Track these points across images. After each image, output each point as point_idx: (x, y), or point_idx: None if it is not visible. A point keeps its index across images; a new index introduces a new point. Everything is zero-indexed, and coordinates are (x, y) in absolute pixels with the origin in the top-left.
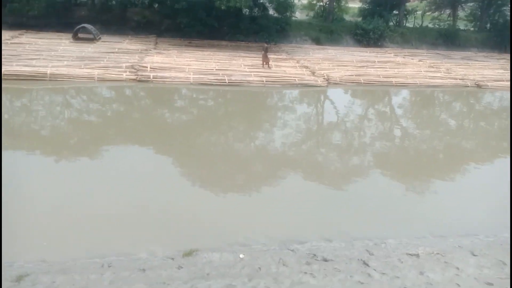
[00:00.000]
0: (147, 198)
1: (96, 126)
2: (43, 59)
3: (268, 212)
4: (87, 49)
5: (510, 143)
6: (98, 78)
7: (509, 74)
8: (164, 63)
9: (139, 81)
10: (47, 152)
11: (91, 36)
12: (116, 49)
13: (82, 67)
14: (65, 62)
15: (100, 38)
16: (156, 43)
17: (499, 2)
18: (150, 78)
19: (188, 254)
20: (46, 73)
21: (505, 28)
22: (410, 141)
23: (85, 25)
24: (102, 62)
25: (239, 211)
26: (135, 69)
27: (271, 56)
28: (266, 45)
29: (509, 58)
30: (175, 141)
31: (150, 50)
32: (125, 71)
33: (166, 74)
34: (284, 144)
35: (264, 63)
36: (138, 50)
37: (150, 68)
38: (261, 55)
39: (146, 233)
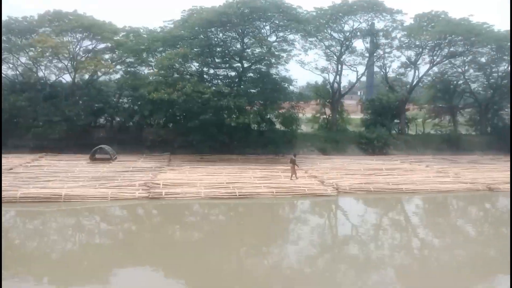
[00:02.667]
0: None
1: (107, 249)
2: (60, 180)
3: None
4: (103, 169)
5: None
6: (111, 197)
7: None
8: (176, 179)
9: (151, 198)
10: (56, 279)
11: (107, 156)
12: (131, 168)
13: (97, 187)
14: (80, 183)
15: (116, 158)
16: (170, 160)
17: (495, 107)
18: (162, 194)
19: None
20: (61, 194)
21: (506, 131)
22: (431, 251)
23: (102, 146)
24: (116, 181)
25: None
26: (148, 186)
27: (279, 167)
28: (293, 157)
29: None
30: (185, 260)
31: (163, 167)
32: (138, 189)
33: (178, 190)
34: (298, 260)
35: (293, 174)
36: (152, 167)
37: (163, 184)
38: (278, 167)
39: None
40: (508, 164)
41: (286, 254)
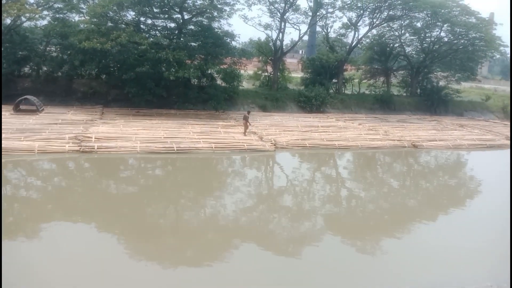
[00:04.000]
0: (94, 277)
1: (34, 203)
2: None
3: (221, 284)
4: (29, 121)
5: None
6: (38, 150)
7: (440, 135)
8: (109, 133)
9: (83, 152)
10: None
11: (33, 107)
12: (60, 120)
13: (22, 139)
14: (4, 135)
15: (43, 110)
16: (103, 113)
17: (426, 70)
18: (94, 148)
19: None
20: None
21: (433, 93)
22: (358, 201)
23: (28, 96)
24: (43, 133)
25: (189, 285)
26: (79, 139)
27: (219, 123)
28: (247, 114)
29: (439, 120)
30: (120, 214)
31: (95, 120)
32: (68, 142)
33: (112, 144)
34: (235, 211)
35: (245, 130)
36: (83, 120)
37: (95, 138)
38: (218, 122)
39: None
40: (432, 123)
41: (222, 205)
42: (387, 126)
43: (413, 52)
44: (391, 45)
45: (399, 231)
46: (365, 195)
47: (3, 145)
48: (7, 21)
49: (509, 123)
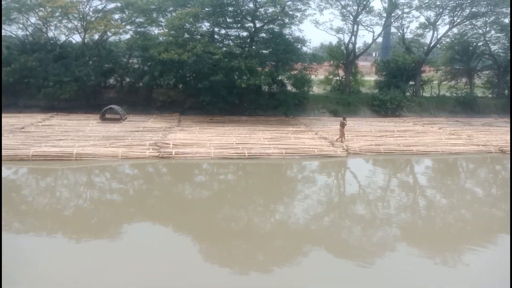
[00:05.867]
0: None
1: (117, 205)
2: (71, 139)
3: None
4: (113, 128)
5: None
6: (122, 156)
7: None
8: (186, 139)
9: (162, 157)
10: (67, 233)
11: (117, 116)
12: (141, 128)
13: (107, 146)
14: (91, 142)
15: (126, 118)
16: (180, 120)
17: None
18: (172, 154)
19: None
20: (72, 153)
21: None
22: (437, 211)
23: (113, 106)
24: (126, 140)
25: None
26: (158, 146)
27: (289, 129)
28: (343, 120)
29: None
30: (195, 217)
31: (173, 127)
32: (148, 149)
33: (188, 149)
34: (306, 218)
35: (341, 137)
36: (161, 128)
37: (173, 144)
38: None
39: None
40: None
41: (292, 212)
42: (470, 130)
43: (500, 51)
44: (474, 44)
45: (482, 243)
46: (446, 203)
47: (91, 152)
48: (95, 36)
49: None
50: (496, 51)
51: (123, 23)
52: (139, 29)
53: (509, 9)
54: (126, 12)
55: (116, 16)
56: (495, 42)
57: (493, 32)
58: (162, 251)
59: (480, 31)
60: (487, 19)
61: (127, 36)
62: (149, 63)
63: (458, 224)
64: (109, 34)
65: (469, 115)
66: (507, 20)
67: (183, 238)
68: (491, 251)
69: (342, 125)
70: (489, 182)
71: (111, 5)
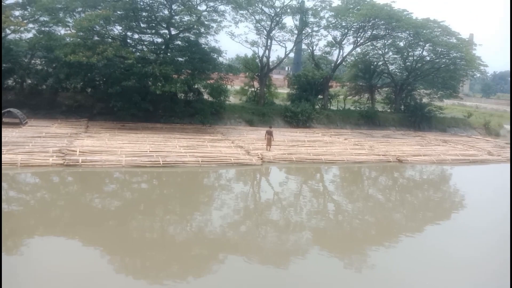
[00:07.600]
0: None
1: (15, 217)
2: None
3: None
4: (11, 133)
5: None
6: (21, 163)
7: (424, 150)
8: (94, 146)
9: (67, 165)
10: None
11: (16, 120)
12: (44, 134)
13: (4, 152)
14: None
15: (26, 123)
16: (88, 126)
17: (409, 87)
18: (78, 162)
19: None
20: None
21: (417, 109)
22: (344, 216)
23: (11, 109)
24: (27, 147)
25: None
26: (63, 153)
27: (206, 137)
28: (269, 129)
29: (422, 135)
30: (105, 228)
31: (80, 133)
32: (52, 156)
33: (97, 157)
34: (223, 226)
35: (268, 146)
36: (67, 134)
37: (80, 151)
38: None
39: None
40: (416, 138)
41: (209, 219)
42: (372, 141)
43: (397, 70)
44: (375, 63)
45: (386, 244)
46: (352, 208)
47: None
48: None
49: (490, 139)
50: (394, 70)
51: (25, 21)
52: (43, 28)
53: (404, 34)
54: (29, 9)
55: (17, 13)
56: (393, 62)
57: (390, 53)
58: (68, 265)
59: (380, 52)
60: (385, 41)
61: (30, 35)
62: (54, 65)
63: (363, 227)
64: (8, 31)
65: (370, 127)
66: (402, 44)
67: (91, 251)
68: (394, 252)
69: (270, 133)
70: (389, 189)
71: (11, 0)
